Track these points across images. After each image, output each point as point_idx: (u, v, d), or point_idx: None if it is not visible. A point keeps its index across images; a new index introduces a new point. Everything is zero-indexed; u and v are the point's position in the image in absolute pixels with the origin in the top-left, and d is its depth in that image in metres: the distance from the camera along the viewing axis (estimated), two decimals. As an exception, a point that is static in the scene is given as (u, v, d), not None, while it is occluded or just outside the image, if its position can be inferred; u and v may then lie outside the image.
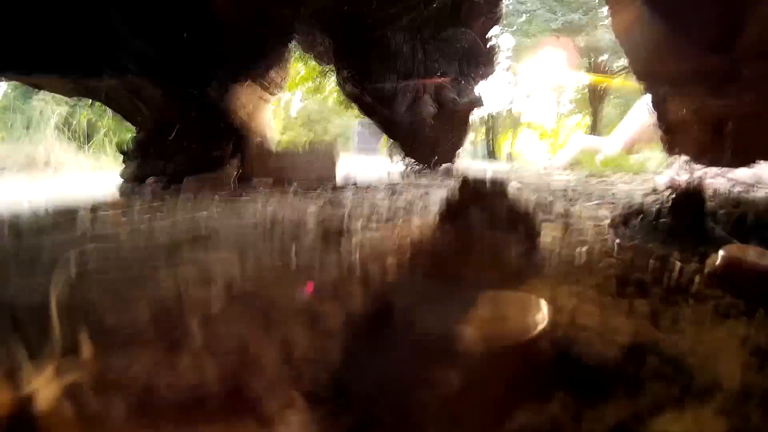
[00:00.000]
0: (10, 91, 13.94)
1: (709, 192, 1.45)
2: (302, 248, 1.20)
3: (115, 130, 11.39)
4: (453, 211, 1.01)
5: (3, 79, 3.90)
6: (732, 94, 1.36)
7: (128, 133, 9.75)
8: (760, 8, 1.10)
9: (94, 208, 2.55)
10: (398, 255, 0.99)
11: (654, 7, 1.58)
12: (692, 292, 0.90)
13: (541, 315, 0.66)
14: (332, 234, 1.36)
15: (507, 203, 1.02)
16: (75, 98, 4.97)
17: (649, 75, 1.72)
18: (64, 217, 2.52)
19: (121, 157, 4.99)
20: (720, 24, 1.27)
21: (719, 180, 1.76)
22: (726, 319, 0.78)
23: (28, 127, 10.60)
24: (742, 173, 1.81)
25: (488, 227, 0.97)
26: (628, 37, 1.76)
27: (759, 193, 1.65)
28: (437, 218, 1.02)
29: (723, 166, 1.69)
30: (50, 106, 10.43)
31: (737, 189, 1.69)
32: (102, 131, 10.95)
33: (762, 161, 1.59)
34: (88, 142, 10.70)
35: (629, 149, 4.52)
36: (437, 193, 2.45)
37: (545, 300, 0.70)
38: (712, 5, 1.31)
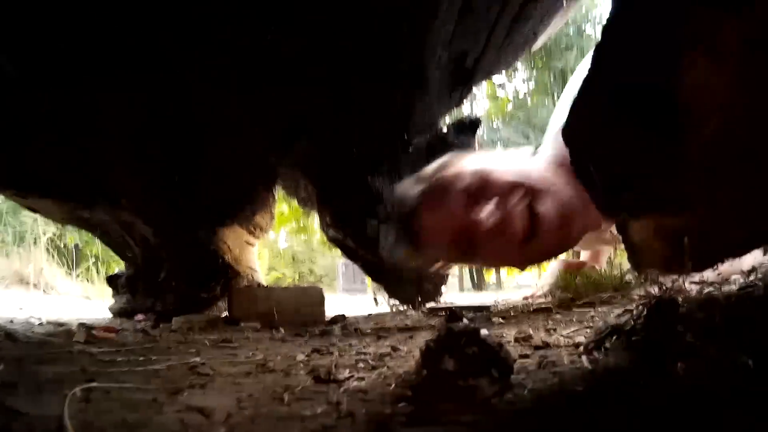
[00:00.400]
0: (1, 202, 14.03)
1: (679, 299, 1.52)
2: (294, 395, 1.27)
3: (102, 259, 11.45)
4: (432, 359, 1.09)
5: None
6: (684, 212, 1.45)
7: (116, 264, 9.79)
8: (699, 132, 1.20)
9: (89, 332, 2.60)
10: (381, 401, 1.07)
11: (596, 148, 1.71)
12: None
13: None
14: (321, 381, 1.42)
15: (482, 347, 1.11)
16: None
17: (608, 206, 1.83)
18: (61, 335, 2.57)
19: (107, 288, 5.03)
20: (664, 153, 1.38)
21: (688, 285, 1.82)
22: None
23: (17, 244, 10.63)
24: (709, 274, 1.88)
25: (464, 372, 1.06)
26: (582, 173, 1.87)
27: (725, 289, 1.73)
28: (417, 366, 1.10)
29: (686, 274, 1.76)
30: (39, 225, 10.52)
31: (705, 290, 1.74)
32: (90, 259, 10.97)
33: (723, 263, 1.69)
34: (76, 268, 10.73)
35: (603, 261, 4.57)
36: (421, 335, 2.52)
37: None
38: (653, 139, 1.43)
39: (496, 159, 3.20)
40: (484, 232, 2.70)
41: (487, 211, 2.68)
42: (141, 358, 1.97)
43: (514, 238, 2.74)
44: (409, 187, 3.22)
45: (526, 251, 2.87)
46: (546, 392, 1.13)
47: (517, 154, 3.32)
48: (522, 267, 3.31)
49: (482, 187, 2.84)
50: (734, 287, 1.69)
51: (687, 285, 1.78)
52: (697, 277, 1.83)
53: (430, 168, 3.31)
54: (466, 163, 3.14)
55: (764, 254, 1.86)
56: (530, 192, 2.78)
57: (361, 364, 1.72)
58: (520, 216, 2.73)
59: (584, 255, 4.89)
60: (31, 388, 1.31)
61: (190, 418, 1.05)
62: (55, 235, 11.54)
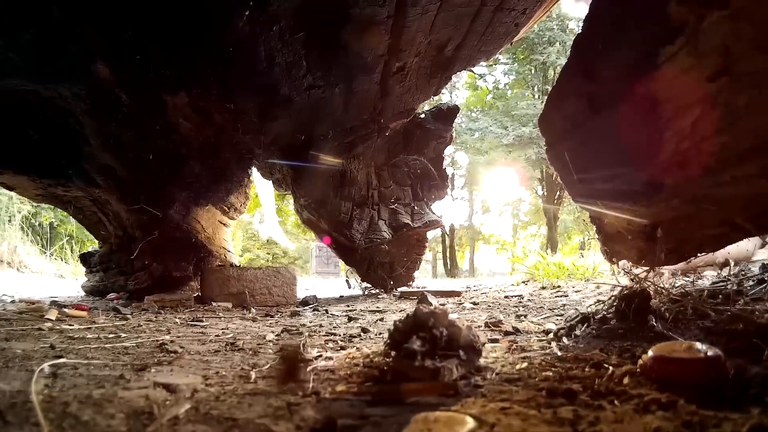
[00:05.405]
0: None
1: (652, 290, 1.54)
2: (261, 372, 1.27)
3: (77, 237, 11.37)
4: (400, 340, 1.09)
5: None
6: (659, 203, 1.46)
7: (90, 243, 9.69)
8: (675, 123, 1.20)
9: (60, 310, 2.58)
10: (348, 381, 1.07)
11: (571, 136, 1.72)
12: (618, 393, 0.97)
13: (466, 430, 0.73)
14: (289, 360, 1.42)
15: (450, 328, 1.11)
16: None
17: (582, 195, 1.83)
18: (33, 313, 2.55)
19: (81, 267, 4.97)
20: (638, 144, 1.38)
21: (662, 277, 1.83)
22: (645, 414, 0.85)
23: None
24: (682, 266, 1.88)
25: (431, 353, 1.05)
26: (556, 161, 1.87)
27: (698, 283, 1.74)
28: (385, 346, 1.10)
29: (660, 266, 1.77)
30: (15, 204, 10.42)
31: (679, 282, 1.75)
32: (65, 238, 10.88)
33: (696, 256, 1.69)
34: (50, 246, 10.64)
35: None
36: (392, 318, 2.53)
37: (472, 417, 0.78)
38: (628, 130, 1.43)
39: None
40: None
41: None
42: (111, 336, 1.99)
43: None
44: None
45: None
46: (514, 376, 1.13)
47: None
48: None
49: None
50: (707, 282, 1.71)
51: (659, 277, 1.80)
52: (669, 269, 1.84)
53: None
54: None
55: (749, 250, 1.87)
56: None
57: (330, 345, 1.74)
58: None
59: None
60: (-1, 364, 1.30)
61: (155, 394, 1.05)
62: (30, 213, 11.43)
